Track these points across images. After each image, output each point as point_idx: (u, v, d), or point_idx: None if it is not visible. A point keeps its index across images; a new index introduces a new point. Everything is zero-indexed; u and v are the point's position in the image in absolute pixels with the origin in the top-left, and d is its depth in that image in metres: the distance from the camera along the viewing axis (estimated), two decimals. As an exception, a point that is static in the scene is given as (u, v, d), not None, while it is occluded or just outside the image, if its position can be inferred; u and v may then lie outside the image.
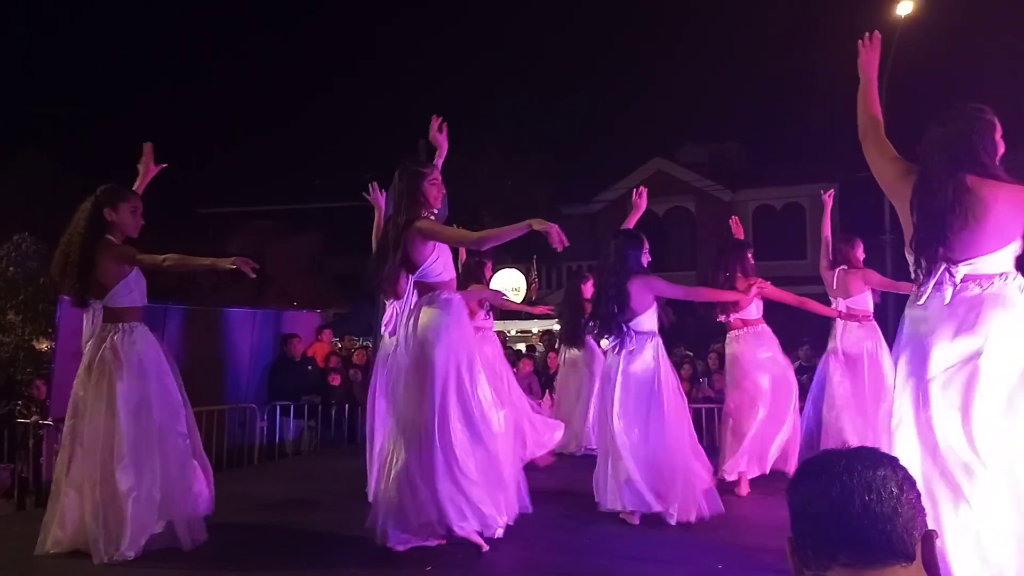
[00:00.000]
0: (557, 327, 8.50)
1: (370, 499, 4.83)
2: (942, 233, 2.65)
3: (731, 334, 5.55)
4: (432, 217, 3.92)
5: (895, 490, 1.21)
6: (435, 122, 4.54)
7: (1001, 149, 2.79)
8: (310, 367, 8.92)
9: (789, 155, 23.17)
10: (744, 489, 5.24)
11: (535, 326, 17.09)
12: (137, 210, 4.06)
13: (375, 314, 9.61)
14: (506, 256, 16.40)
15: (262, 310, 9.81)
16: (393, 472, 3.73)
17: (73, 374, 4.02)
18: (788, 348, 5.97)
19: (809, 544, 1.23)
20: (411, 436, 3.68)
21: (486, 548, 3.74)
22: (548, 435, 6.26)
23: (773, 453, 5.40)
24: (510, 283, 17.23)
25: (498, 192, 20.79)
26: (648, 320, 4.60)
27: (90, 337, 3.94)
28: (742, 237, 5.84)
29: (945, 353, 2.62)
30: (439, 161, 4.53)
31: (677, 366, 5.12)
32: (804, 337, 8.79)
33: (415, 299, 3.89)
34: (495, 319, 6.74)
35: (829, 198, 5.86)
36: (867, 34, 3.12)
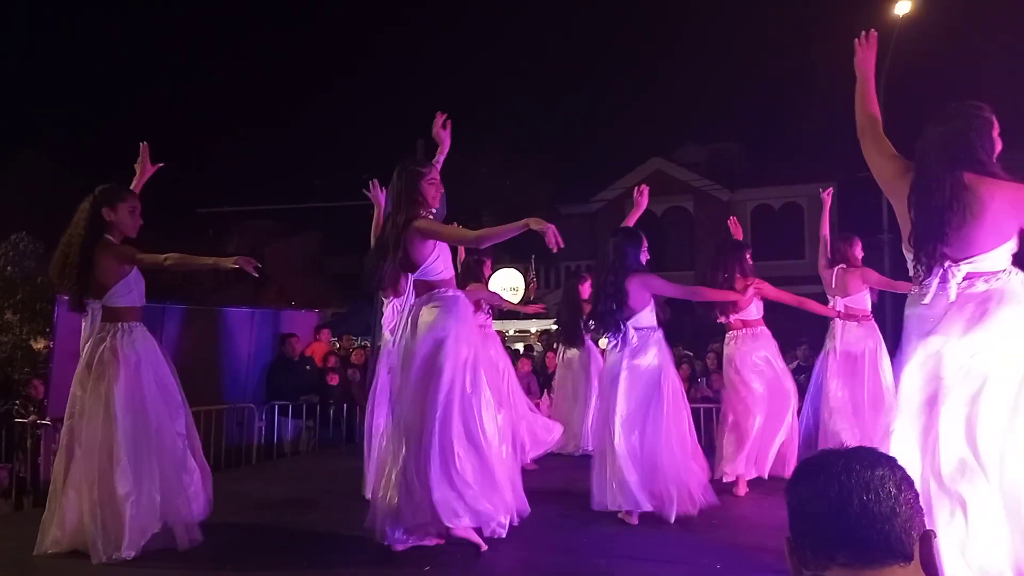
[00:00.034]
0: (555, 327, 8.48)
1: (368, 497, 4.83)
2: (941, 230, 2.65)
3: (729, 335, 5.55)
4: (431, 216, 3.92)
5: (893, 490, 1.21)
6: (439, 119, 4.54)
7: (998, 147, 2.80)
8: (308, 367, 8.92)
9: (787, 155, 23.20)
10: (742, 489, 5.23)
11: (533, 326, 17.09)
12: (135, 210, 4.06)
13: (373, 314, 9.63)
14: (504, 255, 16.41)
15: (260, 310, 9.81)
16: (391, 471, 3.73)
17: (71, 374, 4.02)
18: (786, 348, 5.97)
19: (807, 544, 1.23)
20: (412, 436, 3.68)
21: (485, 548, 3.74)
22: (545, 435, 6.26)
23: (771, 456, 5.40)
24: (508, 283, 17.23)
25: (497, 192, 20.82)
26: (647, 317, 4.62)
27: (89, 337, 3.94)
28: (741, 238, 5.83)
29: (956, 351, 2.62)
30: (441, 157, 4.53)
31: (676, 365, 5.12)
32: (802, 337, 8.80)
33: (414, 298, 3.89)
34: (493, 319, 6.74)
35: (828, 196, 5.86)
36: (863, 32, 3.13)
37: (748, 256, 5.46)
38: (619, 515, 4.45)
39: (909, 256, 2.83)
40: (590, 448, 6.86)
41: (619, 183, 22.26)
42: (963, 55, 20.60)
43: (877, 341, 5.52)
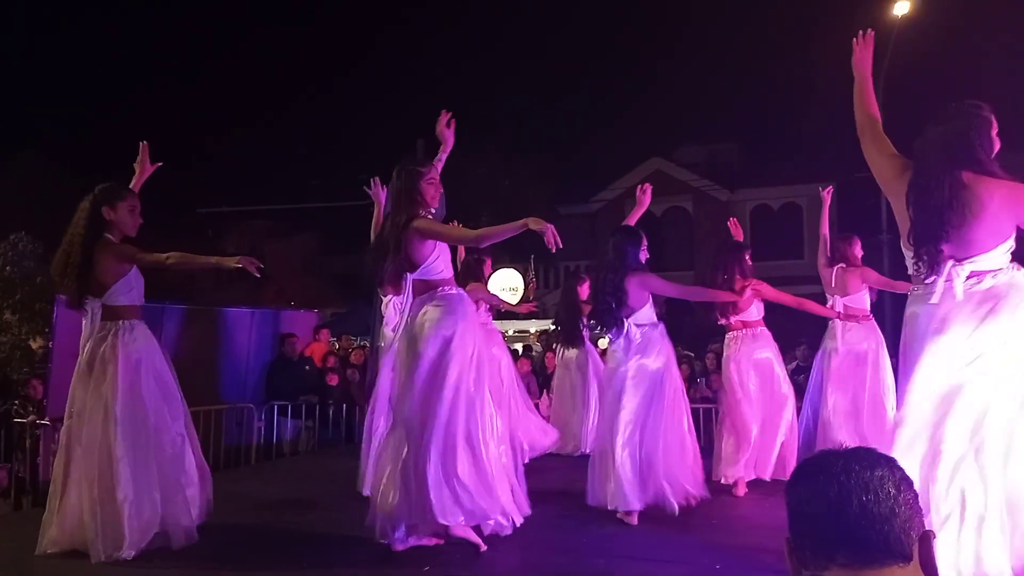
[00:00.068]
0: (554, 327, 8.48)
1: (365, 493, 4.83)
2: (942, 229, 2.66)
3: (729, 335, 5.55)
4: (430, 216, 3.92)
5: (892, 490, 1.21)
6: (443, 117, 4.53)
7: (997, 146, 2.81)
8: (308, 367, 8.91)
9: (787, 155, 23.21)
10: (741, 490, 5.23)
11: (532, 326, 17.09)
12: (135, 209, 4.06)
13: (372, 314, 9.63)
14: (503, 256, 16.40)
15: (260, 310, 9.79)
16: (391, 470, 3.73)
17: (70, 374, 4.02)
18: (785, 349, 5.97)
19: (807, 544, 1.23)
20: (413, 434, 3.67)
21: (484, 548, 3.74)
22: (541, 439, 6.25)
23: (772, 458, 5.40)
24: (508, 283, 17.22)
25: (497, 192, 20.81)
26: (646, 314, 4.63)
27: (89, 336, 3.93)
28: (741, 239, 5.83)
29: (968, 348, 2.63)
30: (444, 156, 4.53)
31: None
32: (801, 338, 8.80)
33: (412, 297, 3.88)
34: (492, 319, 6.74)
35: (828, 195, 5.86)
36: (861, 32, 3.14)
37: (748, 257, 5.46)
38: (618, 515, 4.45)
39: (908, 254, 2.84)
40: (589, 449, 6.88)
41: (618, 183, 22.28)
42: (962, 55, 20.62)
43: (878, 341, 5.52)
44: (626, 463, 4.40)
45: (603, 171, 23.56)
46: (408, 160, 4.13)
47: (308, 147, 34.03)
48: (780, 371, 5.53)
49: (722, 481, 5.31)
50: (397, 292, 4.00)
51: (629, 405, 4.47)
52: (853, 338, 5.50)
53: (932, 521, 2.52)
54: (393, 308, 4.86)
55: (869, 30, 3.15)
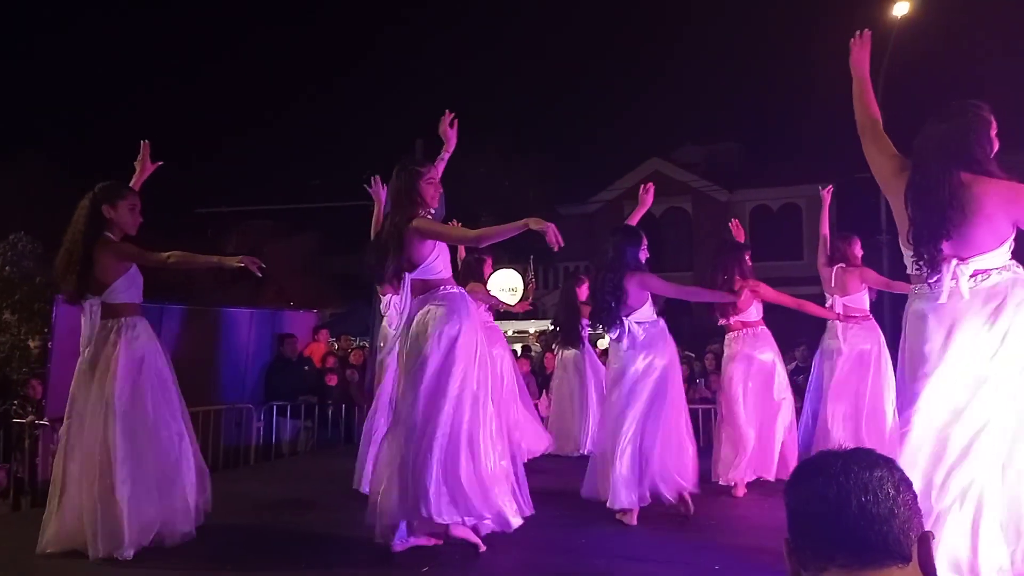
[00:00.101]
0: (552, 328, 8.48)
1: (363, 490, 4.83)
2: (943, 227, 2.67)
3: (730, 336, 5.55)
4: (429, 216, 3.92)
5: (891, 491, 1.21)
6: (446, 117, 4.53)
7: (996, 146, 2.81)
8: (307, 367, 8.91)
9: (786, 156, 23.22)
10: (741, 491, 5.24)
11: (531, 327, 17.09)
12: (135, 207, 4.06)
13: (372, 314, 9.63)
14: (503, 256, 16.39)
15: (259, 310, 9.80)
16: (389, 470, 3.73)
17: (69, 374, 4.02)
18: (784, 349, 5.97)
19: (806, 545, 1.23)
20: (414, 434, 3.66)
21: (483, 548, 3.73)
22: (534, 445, 6.25)
23: (775, 458, 5.40)
24: (507, 283, 17.21)
25: (496, 192, 20.82)
26: (646, 313, 4.63)
27: (89, 334, 3.93)
28: (742, 240, 5.83)
29: (982, 344, 2.63)
30: (446, 156, 4.52)
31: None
32: (800, 338, 8.80)
33: (410, 296, 3.88)
34: (493, 319, 6.74)
35: (827, 194, 5.87)
36: (857, 32, 3.15)
37: (747, 257, 5.46)
38: (617, 516, 4.45)
39: (908, 253, 2.84)
40: (587, 449, 6.88)
41: (618, 183, 22.31)
42: (961, 56, 20.64)
43: (880, 341, 5.52)
44: (625, 460, 4.40)
45: (602, 172, 23.60)
46: (408, 160, 4.13)
47: (308, 147, 34.08)
48: (781, 371, 5.53)
49: (721, 482, 5.31)
50: (397, 291, 4.00)
51: (637, 403, 4.47)
52: (855, 338, 5.50)
53: (935, 517, 2.52)
54: (394, 308, 4.86)
55: (866, 30, 3.16)
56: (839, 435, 5.34)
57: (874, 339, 5.52)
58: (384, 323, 5.48)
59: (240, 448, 7.72)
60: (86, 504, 3.73)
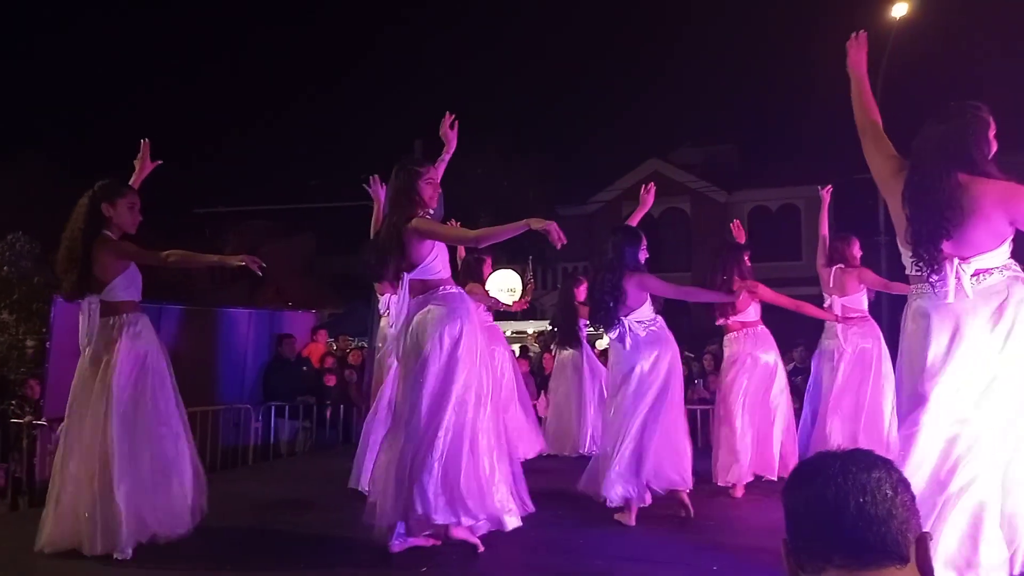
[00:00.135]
0: (551, 328, 8.48)
1: (361, 490, 4.83)
2: (943, 228, 2.67)
3: (730, 336, 5.55)
4: (428, 216, 3.92)
5: (889, 492, 1.21)
6: (447, 118, 4.52)
7: (994, 148, 2.82)
8: (305, 368, 8.91)
9: (785, 157, 23.24)
10: (739, 491, 5.24)
11: (530, 327, 17.10)
12: (135, 206, 4.06)
13: (370, 314, 9.62)
14: (502, 257, 16.40)
15: (257, 310, 9.80)
16: (388, 470, 3.72)
17: (67, 374, 4.02)
18: (783, 350, 5.98)
19: (804, 545, 1.23)
20: (414, 434, 3.66)
21: (482, 548, 3.73)
22: (527, 449, 6.24)
23: (775, 456, 5.40)
24: (506, 284, 17.23)
25: (495, 192, 20.82)
26: (645, 312, 4.63)
27: (89, 332, 3.93)
28: (743, 241, 5.83)
29: (986, 343, 2.63)
30: (447, 157, 4.52)
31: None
32: (798, 339, 8.80)
33: (409, 296, 3.88)
34: (492, 319, 6.74)
35: (827, 194, 5.87)
36: (853, 34, 3.16)
37: (746, 258, 5.47)
38: (615, 516, 4.46)
39: (906, 253, 2.84)
40: (586, 449, 6.88)
41: (617, 184, 22.33)
42: (960, 57, 20.67)
43: (880, 341, 5.52)
44: (624, 457, 4.40)
45: (601, 172, 23.61)
46: (407, 160, 4.13)
47: (307, 147, 34.10)
48: (781, 371, 5.55)
49: (719, 483, 5.31)
50: (396, 291, 4.00)
51: (645, 402, 4.46)
52: (855, 337, 5.50)
53: (936, 516, 2.53)
54: (393, 308, 4.86)
55: (862, 31, 3.17)
56: (838, 436, 5.35)
57: (874, 338, 5.52)
58: (383, 323, 5.48)
59: (238, 448, 7.71)
60: (86, 501, 3.72)
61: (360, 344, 12.08)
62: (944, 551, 2.50)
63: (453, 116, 4.52)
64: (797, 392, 6.14)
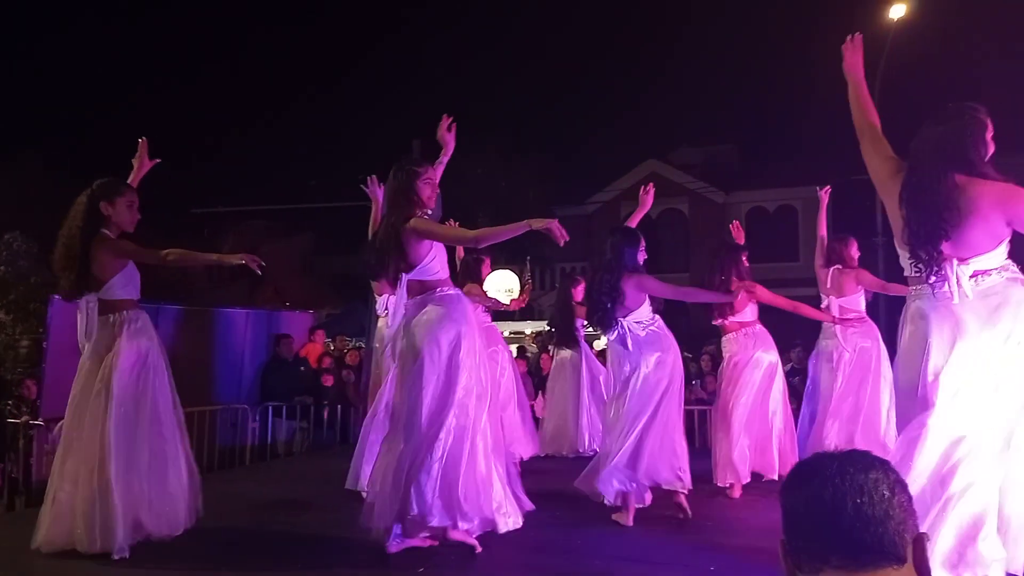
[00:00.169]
0: (548, 328, 8.48)
1: (357, 488, 4.83)
2: (941, 228, 2.67)
3: (729, 336, 5.55)
4: (426, 216, 3.91)
5: (887, 493, 1.21)
6: (445, 121, 4.49)
7: (991, 149, 2.83)
8: (303, 368, 8.90)
9: (783, 157, 23.27)
10: (737, 492, 5.24)
11: (528, 327, 17.11)
12: (133, 204, 4.05)
13: (368, 314, 9.61)
14: (500, 257, 16.41)
15: (255, 311, 9.80)
16: (386, 472, 3.72)
17: (64, 373, 4.01)
18: (780, 350, 5.99)
19: (802, 546, 1.23)
20: (413, 435, 3.65)
21: (479, 549, 3.73)
22: (521, 452, 6.24)
23: (775, 455, 5.41)
24: (504, 284, 17.24)
25: (493, 192, 20.83)
26: (644, 312, 4.63)
27: (87, 330, 3.92)
28: (742, 242, 5.83)
29: (986, 345, 2.64)
30: (445, 159, 4.51)
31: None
32: (796, 340, 8.81)
33: (407, 297, 3.88)
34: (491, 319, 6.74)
35: (825, 195, 5.88)
36: (849, 37, 3.17)
37: (744, 259, 5.47)
38: (613, 516, 4.46)
39: (904, 255, 2.85)
40: (584, 449, 6.89)
41: (615, 184, 22.35)
42: (958, 58, 20.71)
43: (878, 340, 5.53)
44: (623, 455, 4.40)
45: (599, 173, 23.62)
46: (405, 160, 4.12)
47: (306, 147, 34.11)
48: (780, 371, 5.56)
49: (719, 484, 5.31)
50: (394, 292, 4.00)
51: (650, 402, 4.45)
52: (856, 339, 5.50)
53: (935, 516, 2.53)
54: (392, 309, 4.86)
55: (857, 34, 3.18)
56: (837, 437, 5.35)
57: (873, 339, 5.53)
58: (381, 324, 5.48)
59: (236, 448, 7.71)
60: (84, 499, 3.72)
61: (358, 344, 12.08)
62: (941, 552, 2.51)
63: (451, 119, 4.50)
64: (795, 393, 6.15)
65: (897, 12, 13.63)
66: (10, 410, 7.28)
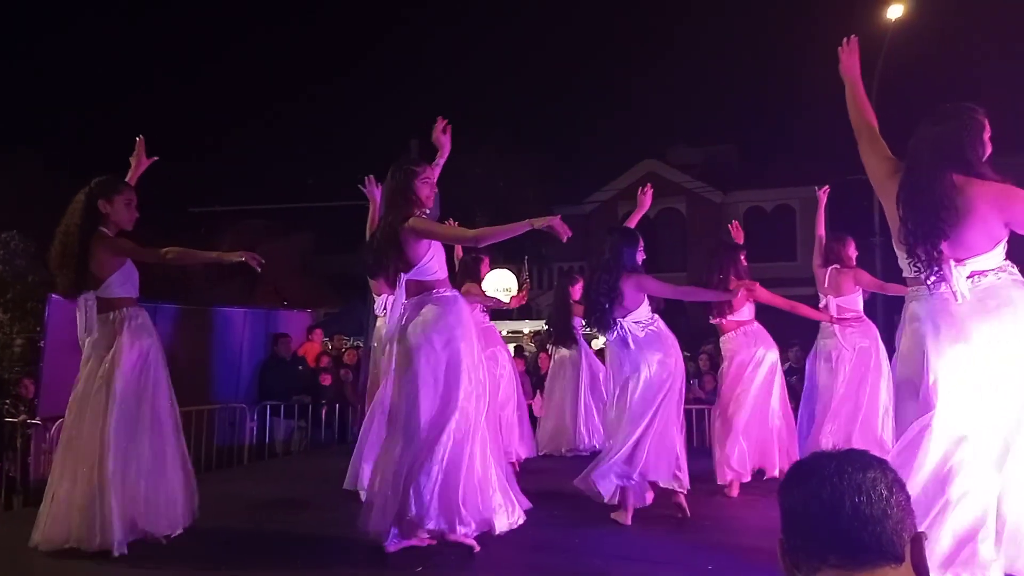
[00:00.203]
0: (546, 327, 8.48)
1: (356, 487, 4.83)
2: (939, 228, 2.68)
3: (729, 335, 5.55)
4: (425, 215, 3.91)
5: (885, 492, 1.22)
6: (439, 123, 4.47)
7: (988, 150, 2.83)
8: (301, 367, 8.90)
9: (780, 157, 23.28)
10: (735, 490, 5.25)
11: (526, 326, 17.11)
12: (131, 202, 4.05)
13: (367, 313, 9.61)
14: (498, 256, 16.41)
15: (253, 310, 9.79)
16: (384, 470, 3.72)
17: (61, 373, 4.01)
18: (778, 349, 6.00)
19: (800, 545, 1.24)
20: (414, 439, 3.65)
21: (478, 549, 3.73)
22: (518, 449, 6.24)
23: (775, 452, 5.42)
24: (501, 283, 17.23)
25: (491, 191, 20.83)
26: (643, 312, 4.63)
27: (87, 329, 3.92)
28: (741, 242, 5.84)
29: (984, 345, 2.64)
30: (441, 161, 4.50)
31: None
32: (793, 339, 8.82)
33: (404, 297, 3.88)
34: (489, 319, 6.74)
35: (824, 195, 5.89)
36: (844, 39, 3.18)
37: (743, 258, 5.49)
38: (612, 515, 4.46)
39: (901, 254, 2.85)
40: (582, 448, 6.90)
41: (613, 184, 22.36)
42: (955, 58, 20.74)
43: (877, 340, 5.54)
44: (624, 454, 4.41)
45: (597, 172, 23.64)
46: (403, 160, 4.12)
47: (304, 146, 34.07)
48: (779, 368, 5.57)
49: (720, 482, 5.32)
50: (393, 292, 4.00)
51: (653, 403, 4.45)
52: (855, 338, 5.51)
53: (935, 516, 2.54)
54: (388, 308, 4.86)
55: (853, 36, 3.19)
56: (835, 437, 5.36)
57: (871, 339, 5.53)
58: (380, 323, 5.48)
59: (234, 448, 7.71)
60: (83, 495, 3.71)
61: (356, 343, 12.08)
62: (940, 553, 2.51)
63: (445, 121, 4.48)
64: (793, 392, 6.15)
65: (895, 12, 13.65)
66: (8, 409, 7.26)
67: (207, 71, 38.37)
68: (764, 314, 5.61)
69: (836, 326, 5.54)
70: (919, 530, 1.24)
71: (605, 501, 4.47)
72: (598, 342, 9.56)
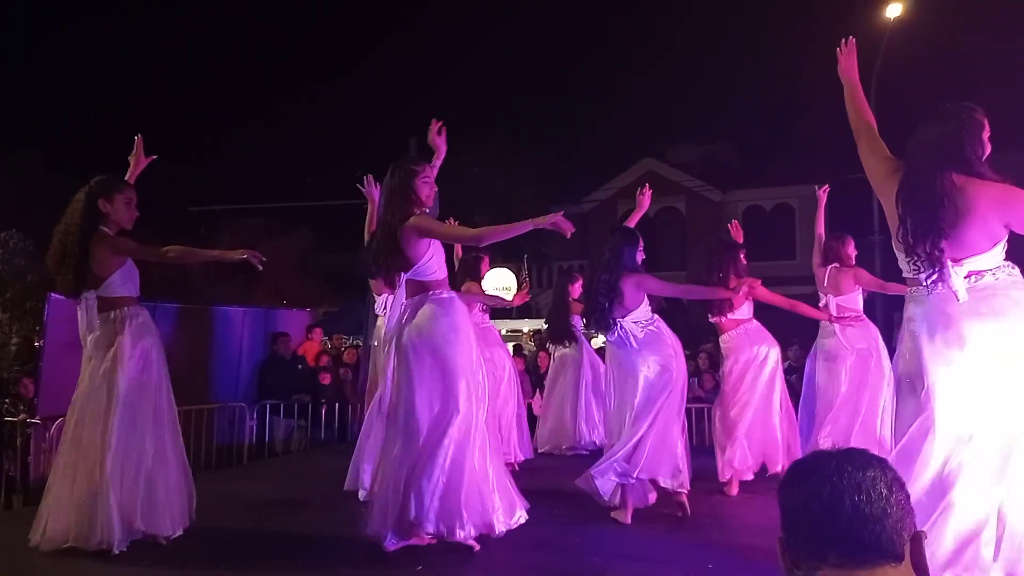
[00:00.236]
0: (546, 326, 8.49)
1: (356, 487, 4.83)
2: (938, 227, 2.68)
3: (729, 333, 5.56)
4: (425, 214, 3.91)
5: (884, 491, 1.22)
6: (434, 126, 4.45)
7: (987, 149, 2.83)
8: (300, 366, 8.90)
9: (779, 156, 23.29)
10: (734, 489, 5.26)
11: (525, 325, 17.11)
12: (131, 201, 4.05)
13: (366, 312, 9.61)
14: (497, 255, 16.41)
15: (252, 309, 9.78)
16: (384, 470, 3.72)
17: (61, 372, 4.01)
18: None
19: (800, 544, 1.24)
20: (413, 440, 3.65)
21: (477, 548, 3.73)
22: (516, 450, 6.25)
23: (779, 450, 5.43)
24: (501, 282, 17.23)
25: (490, 191, 20.83)
26: (643, 312, 4.62)
27: (88, 328, 3.92)
28: (741, 241, 5.83)
29: (983, 345, 2.64)
30: (437, 163, 4.50)
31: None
32: (793, 338, 8.82)
33: (405, 297, 3.87)
34: (489, 318, 6.74)
35: (823, 194, 5.89)
36: (843, 41, 3.19)
37: (742, 256, 5.50)
38: (612, 514, 4.46)
39: (900, 254, 2.85)
40: (583, 446, 6.90)
41: (612, 183, 22.37)
42: (954, 58, 20.74)
43: (877, 339, 5.54)
44: (624, 453, 4.41)
45: (596, 171, 23.66)
46: (403, 159, 4.12)
47: (304, 145, 34.08)
48: (779, 366, 5.57)
49: (722, 479, 5.33)
50: (393, 291, 4.00)
51: (655, 403, 4.45)
52: (855, 338, 5.51)
53: (936, 516, 2.54)
54: (388, 307, 4.86)
55: (850, 38, 3.20)
56: (836, 435, 5.36)
57: (871, 338, 5.53)
58: (379, 323, 5.48)
59: (233, 447, 7.70)
60: (83, 493, 3.71)
61: (355, 342, 12.07)
62: (942, 554, 2.51)
63: (440, 123, 4.46)
64: (793, 391, 6.16)
65: (894, 11, 13.66)
66: (7, 408, 7.26)
67: (207, 71, 38.36)
68: (763, 313, 5.61)
69: (836, 325, 5.54)
70: (919, 529, 1.25)
71: (605, 500, 4.47)
72: (597, 340, 9.56)
